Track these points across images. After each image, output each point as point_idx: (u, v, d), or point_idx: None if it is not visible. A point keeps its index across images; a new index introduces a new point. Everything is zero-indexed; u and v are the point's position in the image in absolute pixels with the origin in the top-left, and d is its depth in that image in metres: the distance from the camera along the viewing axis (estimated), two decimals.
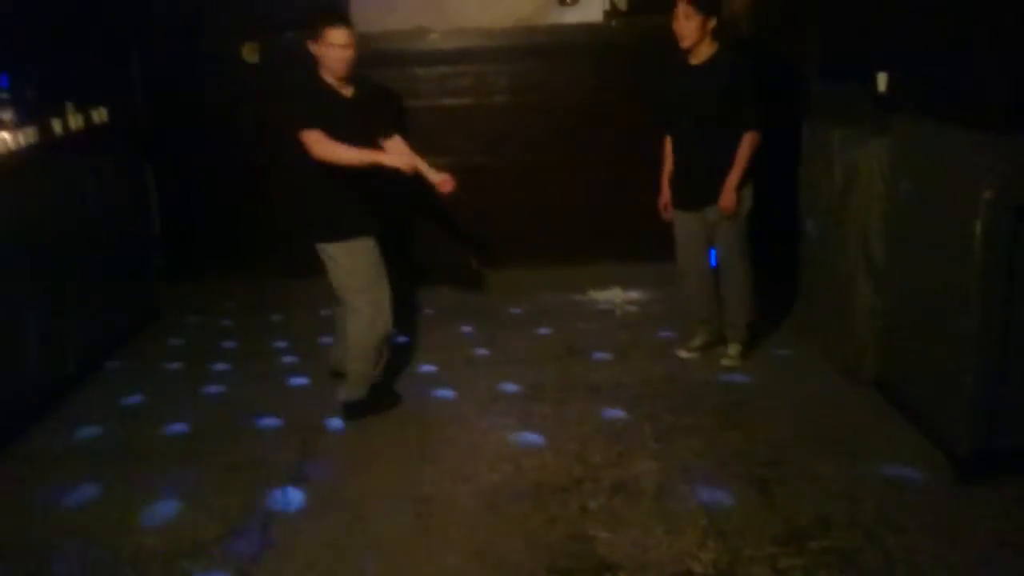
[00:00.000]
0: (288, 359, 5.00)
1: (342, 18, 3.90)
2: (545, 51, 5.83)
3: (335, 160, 3.76)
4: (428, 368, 4.76)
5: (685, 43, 4.28)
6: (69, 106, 4.78)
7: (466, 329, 5.36)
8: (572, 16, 6.12)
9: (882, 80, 4.07)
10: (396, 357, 4.56)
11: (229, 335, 5.46)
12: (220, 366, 4.93)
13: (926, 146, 3.64)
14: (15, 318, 4.06)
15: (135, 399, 4.49)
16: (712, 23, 4.26)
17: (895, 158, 3.89)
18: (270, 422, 4.16)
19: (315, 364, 4.80)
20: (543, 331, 5.26)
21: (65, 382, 4.52)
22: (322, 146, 3.75)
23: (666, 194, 4.61)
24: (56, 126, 4.63)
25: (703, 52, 4.32)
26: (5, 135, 4.17)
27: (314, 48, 3.88)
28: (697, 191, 4.42)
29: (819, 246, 4.64)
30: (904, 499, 3.28)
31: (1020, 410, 3.30)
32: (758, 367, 4.57)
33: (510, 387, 4.44)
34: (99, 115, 5.05)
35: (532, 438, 3.89)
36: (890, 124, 3.91)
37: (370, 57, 5.26)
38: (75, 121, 4.80)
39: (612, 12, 6.31)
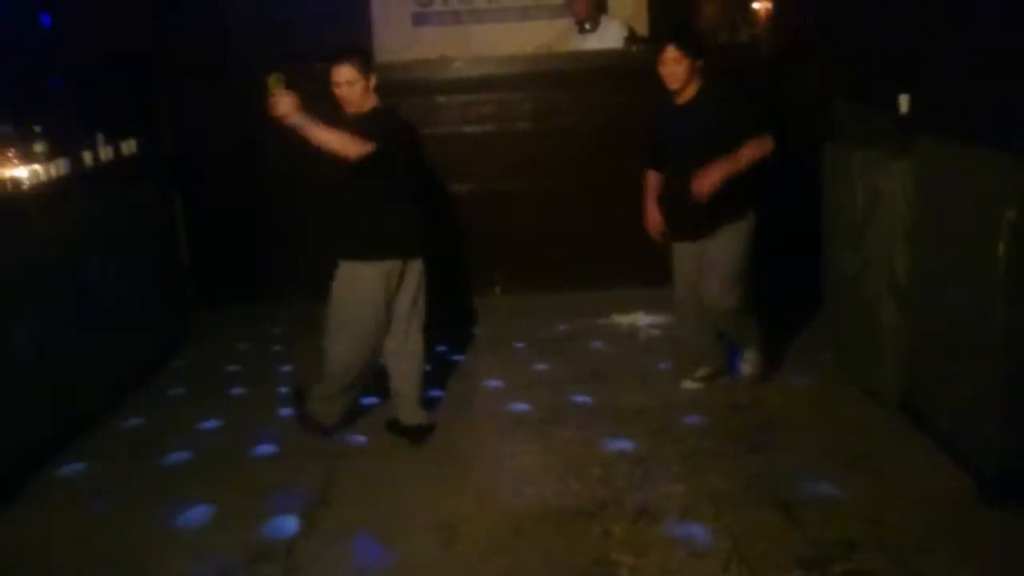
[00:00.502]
0: None
1: (344, 55, 3.92)
2: (566, 78, 5.88)
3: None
4: (448, 393, 4.78)
5: (674, 86, 4.22)
6: (99, 138, 4.88)
7: (488, 354, 5.38)
8: (592, 43, 6.18)
9: (904, 102, 4.09)
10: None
11: (257, 361, 5.50)
12: (246, 391, 4.98)
13: (948, 167, 3.64)
14: (43, 347, 4.11)
15: (147, 423, 4.54)
16: (700, 64, 4.21)
17: (918, 179, 3.88)
18: (294, 447, 4.19)
19: None
20: (566, 355, 5.27)
21: (89, 413, 4.54)
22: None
23: (654, 215, 4.52)
24: (87, 158, 4.74)
25: (689, 91, 4.27)
26: (37, 167, 4.27)
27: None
28: (697, 221, 4.28)
29: (842, 267, 4.62)
30: (930, 521, 3.25)
31: None
32: (781, 389, 4.56)
33: (532, 410, 4.45)
34: (128, 147, 5.15)
35: (555, 461, 3.89)
36: (912, 145, 3.92)
37: (394, 85, 5.33)
38: (105, 153, 4.90)
39: (632, 38, 6.38)
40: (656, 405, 4.43)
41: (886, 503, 3.39)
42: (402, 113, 4.14)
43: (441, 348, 5.39)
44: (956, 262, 3.54)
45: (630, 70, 5.76)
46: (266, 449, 4.18)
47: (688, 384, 4.64)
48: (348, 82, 3.89)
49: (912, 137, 3.93)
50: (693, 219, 4.28)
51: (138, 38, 5.49)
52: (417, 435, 4.15)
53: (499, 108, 5.92)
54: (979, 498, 3.35)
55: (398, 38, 6.78)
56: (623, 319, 5.83)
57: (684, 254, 4.45)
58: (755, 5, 6.31)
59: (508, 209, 5.81)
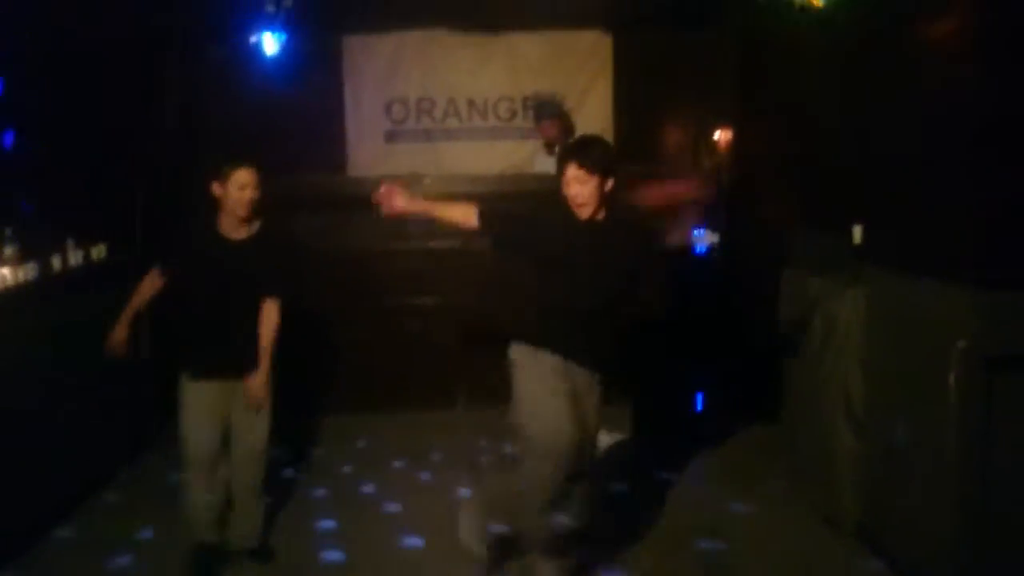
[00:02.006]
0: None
1: (250, 159, 3.96)
2: (533, 198, 6.02)
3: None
4: (405, 511, 4.74)
5: (583, 211, 3.56)
6: (70, 243, 4.90)
7: (449, 470, 5.34)
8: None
9: (857, 232, 4.25)
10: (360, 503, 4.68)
11: None
12: None
13: (901, 298, 3.77)
14: (5, 450, 4.03)
15: (115, 554, 4.43)
16: (609, 184, 3.56)
17: (871, 308, 4.01)
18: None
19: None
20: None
21: (50, 517, 4.44)
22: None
23: None
24: (56, 263, 4.75)
25: (598, 214, 3.61)
26: (5, 271, 4.28)
27: (217, 189, 3.90)
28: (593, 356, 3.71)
29: (800, 392, 4.71)
30: None
31: (1001, 561, 3.31)
32: (742, 515, 4.56)
33: (489, 533, 4.40)
34: (98, 252, 5.17)
35: None
36: (866, 275, 4.06)
37: (366, 200, 5.43)
38: (75, 257, 4.92)
39: None
40: (618, 526, 4.40)
41: None
42: (373, 227, 4.23)
43: (398, 463, 5.37)
44: (909, 390, 3.64)
45: None
46: None
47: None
48: (254, 185, 3.92)
49: (865, 267, 4.07)
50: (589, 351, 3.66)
51: (111, 143, 5.55)
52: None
53: None
54: None
55: (371, 154, 6.95)
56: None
57: (560, 385, 3.58)
58: (716, 135, 6.58)
59: (473, 324, 5.87)
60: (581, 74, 6.99)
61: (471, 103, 7.06)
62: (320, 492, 4.99)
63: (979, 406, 3.26)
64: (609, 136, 7.04)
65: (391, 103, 6.94)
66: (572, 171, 3.54)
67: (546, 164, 6.46)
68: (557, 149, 6.44)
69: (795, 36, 4.71)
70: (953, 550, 3.33)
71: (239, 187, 3.87)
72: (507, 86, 7.01)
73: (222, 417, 3.98)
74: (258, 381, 3.95)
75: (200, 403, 3.95)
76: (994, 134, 3.24)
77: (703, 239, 5.20)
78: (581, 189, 3.52)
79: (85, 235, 5.07)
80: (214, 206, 3.97)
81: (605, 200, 3.58)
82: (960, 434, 3.29)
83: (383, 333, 6.09)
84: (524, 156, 6.95)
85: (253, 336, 3.95)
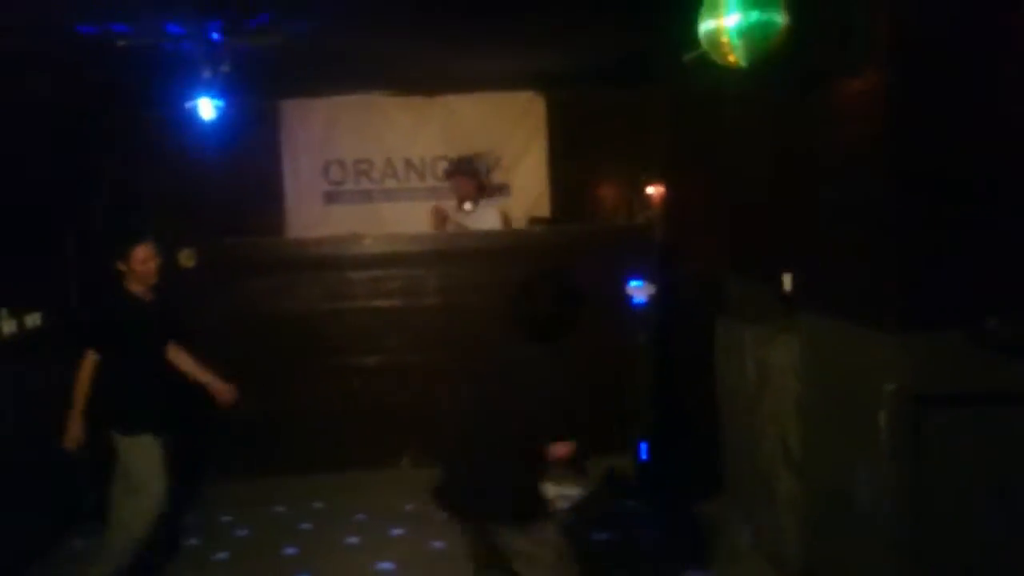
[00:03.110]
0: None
1: (143, 236, 4.39)
2: (472, 255, 6.11)
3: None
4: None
5: None
6: (3, 311, 4.82)
7: (397, 531, 5.29)
8: (470, 222, 6.46)
9: (787, 280, 4.37)
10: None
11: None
12: None
13: (831, 343, 3.88)
14: None
15: None
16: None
17: (804, 354, 4.12)
18: None
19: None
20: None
21: None
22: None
23: None
24: None
25: None
26: None
27: (123, 266, 4.33)
28: None
29: (739, 441, 4.79)
30: None
31: None
32: (692, 559, 4.60)
33: None
34: (32, 320, 5.09)
35: None
36: (797, 322, 4.17)
37: (306, 261, 5.47)
38: (8, 326, 4.83)
39: (535, 219, 6.74)
40: None
41: None
42: (315, 287, 4.33)
43: (361, 516, 5.34)
44: (844, 433, 3.73)
45: (532, 247, 6.04)
46: None
47: None
48: (154, 256, 4.38)
49: (796, 313, 4.19)
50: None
51: (43, 207, 5.49)
52: None
53: (407, 283, 6.09)
54: None
55: (310, 215, 6.99)
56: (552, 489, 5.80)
57: None
58: (649, 190, 6.74)
59: (418, 381, 5.89)
60: (516, 133, 7.14)
61: (408, 163, 7.15)
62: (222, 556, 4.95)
63: (910, 445, 3.36)
64: (545, 193, 7.19)
65: (329, 164, 7.02)
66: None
67: (459, 217, 6.52)
68: (467, 206, 6.52)
69: (720, 94, 4.89)
70: None
71: (142, 262, 4.32)
72: (444, 146, 7.12)
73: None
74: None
75: (157, 455, 4.24)
76: (910, 180, 3.39)
77: (641, 291, 5.31)
78: None
79: (17, 302, 4.98)
80: (119, 277, 4.37)
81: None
82: (893, 473, 3.38)
83: (330, 392, 6.05)
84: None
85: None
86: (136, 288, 4.37)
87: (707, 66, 3.92)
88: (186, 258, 5.92)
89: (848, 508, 3.72)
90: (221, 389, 4.55)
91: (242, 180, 6.76)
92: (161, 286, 4.48)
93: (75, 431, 4.23)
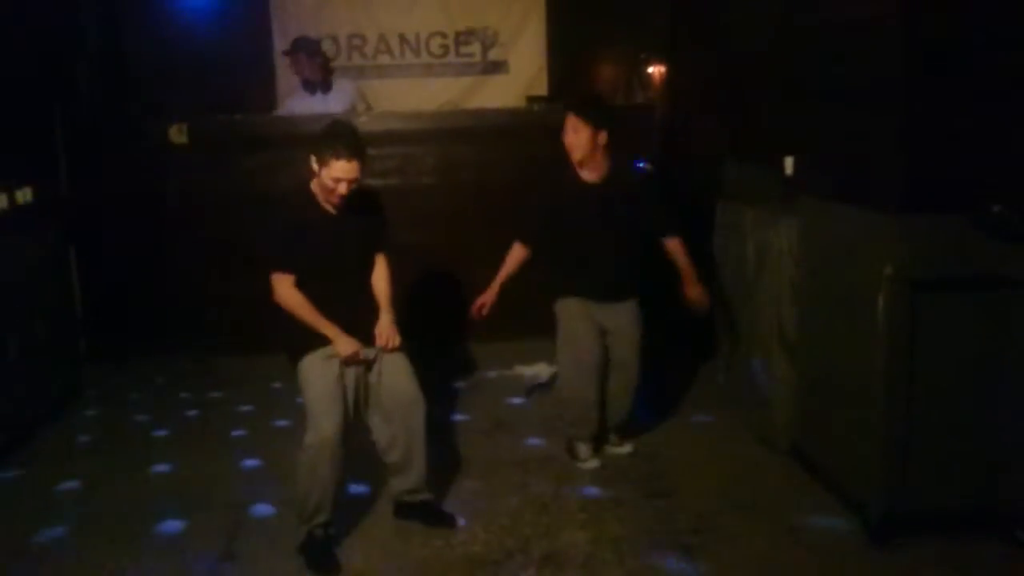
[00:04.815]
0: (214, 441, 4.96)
1: (352, 148, 3.47)
2: (469, 134, 6.02)
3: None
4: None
5: (576, 155, 4.16)
6: None
7: None
8: (320, 106, 6.15)
9: (789, 163, 4.33)
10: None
11: (152, 415, 5.35)
12: (140, 451, 4.84)
13: (830, 226, 3.88)
14: None
15: (70, 485, 4.39)
16: (603, 137, 4.12)
17: (802, 237, 4.12)
18: (198, 503, 4.12)
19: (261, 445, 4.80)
20: (470, 406, 5.32)
21: None
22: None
23: (491, 295, 4.53)
24: None
25: (597, 168, 4.21)
26: None
27: (315, 166, 3.53)
28: (609, 289, 4.30)
29: (736, 320, 4.83)
30: (822, 561, 3.44)
31: (925, 476, 3.48)
32: (680, 437, 4.70)
33: (438, 462, 4.47)
34: (23, 195, 5.02)
35: (461, 510, 3.92)
36: (797, 205, 4.15)
37: (300, 139, 5.35)
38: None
39: (533, 98, 6.61)
40: (559, 454, 4.50)
41: (779, 545, 3.55)
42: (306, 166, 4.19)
43: None
44: (840, 315, 3.76)
45: (532, 126, 5.94)
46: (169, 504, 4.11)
47: (589, 464, 4.36)
48: (354, 179, 3.53)
49: (797, 197, 4.17)
50: (607, 285, 4.28)
51: (35, 81, 5.37)
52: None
53: (403, 162, 6.01)
54: (867, 539, 3.54)
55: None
56: (526, 370, 5.91)
57: (586, 315, 4.31)
58: (650, 69, 6.61)
59: (412, 262, 5.86)
60: (514, 7, 6.95)
61: (403, 39, 6.98)
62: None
63: (905, 328, 3.39)
64: (543, 71, 7.05)
65: (321, 41, 6.83)
66: (570, 120, 4.15)
67: (304, 104, 6.20)
68: (318, 91, 6.24)
69: None
70: (882, 468, 3.48)
71: (338, 180, 3.49)
72: (439, 21, 6.96)
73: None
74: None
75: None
76: (916, 63, 3.32)
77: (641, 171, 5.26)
78: (576, 137, 4.12)
79: (8, 178, 4.92)
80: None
81: (599, 149, 4.15)
82: (888, 356, 3.42)
83: None
84: (459, 92, 6.91)
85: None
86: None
87: None
88: (176, 134, 5.82)
89: (840, 391, 3.78)
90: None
91: (233, 57, 6.60)
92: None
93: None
